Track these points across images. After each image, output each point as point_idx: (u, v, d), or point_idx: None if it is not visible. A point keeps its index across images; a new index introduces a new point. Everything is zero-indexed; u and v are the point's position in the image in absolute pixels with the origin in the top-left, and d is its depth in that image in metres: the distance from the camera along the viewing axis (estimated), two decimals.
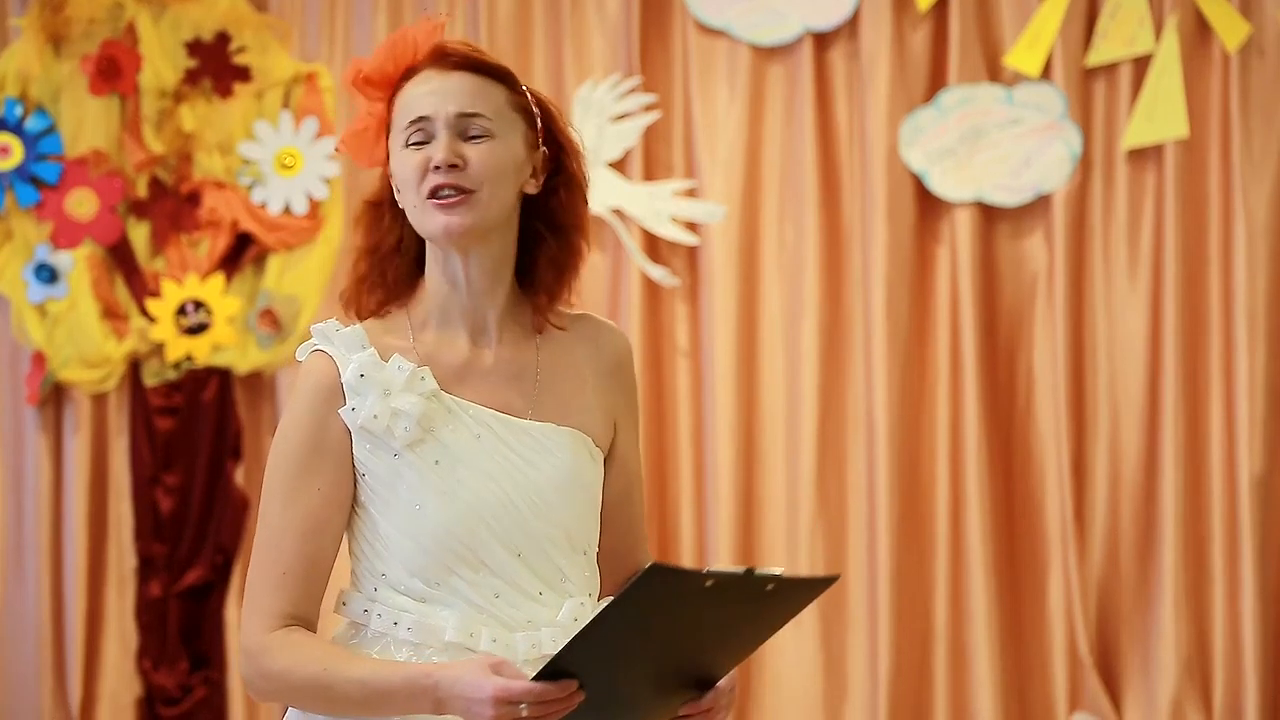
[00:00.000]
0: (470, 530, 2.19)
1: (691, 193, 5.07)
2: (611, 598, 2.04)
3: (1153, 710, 4.91)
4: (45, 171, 4.99)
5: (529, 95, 2.29)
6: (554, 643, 2.17)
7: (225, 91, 5.04)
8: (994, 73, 5.05)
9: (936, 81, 5.06)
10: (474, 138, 2.22)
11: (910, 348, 5.03)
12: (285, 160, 5.03)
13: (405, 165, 2.22)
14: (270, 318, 5.02)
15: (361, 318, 2.28)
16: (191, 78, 5.03)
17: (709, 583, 1.95)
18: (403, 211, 2.25)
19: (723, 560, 5.01)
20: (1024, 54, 5.00)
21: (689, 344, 5.09)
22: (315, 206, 5.05)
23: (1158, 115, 4.95)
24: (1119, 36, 4.99)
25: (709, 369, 5.05)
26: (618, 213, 5.04)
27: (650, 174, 5.08)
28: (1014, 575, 5.01)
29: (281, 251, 5.06)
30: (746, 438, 5.06)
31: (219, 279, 5.04)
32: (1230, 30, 4.93)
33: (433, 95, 2.23)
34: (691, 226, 5.06)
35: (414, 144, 2.22)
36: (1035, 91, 5.01)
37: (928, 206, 5.05)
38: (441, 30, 2.28)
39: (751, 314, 5.09)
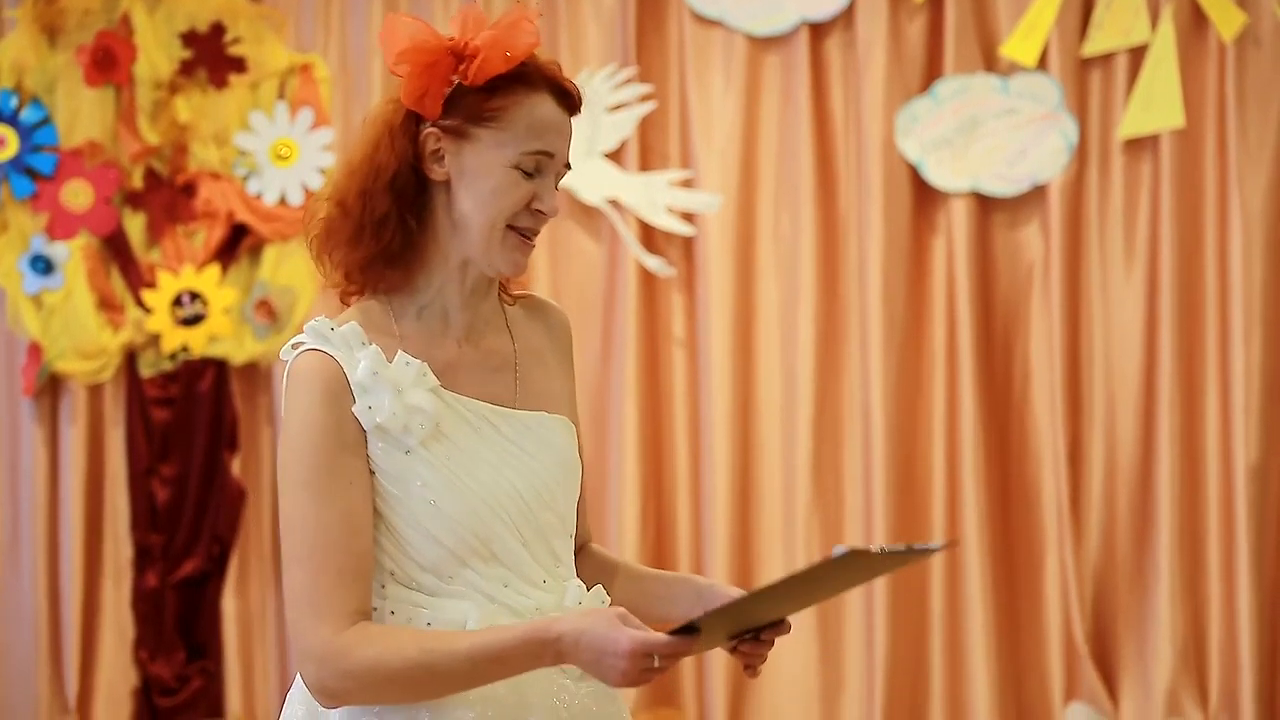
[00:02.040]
0: (484, 522, 2.19)
1: (687, 183, 5.07)
2: (794, 571, 2.02)
3: (1148, 698, 4.92)
4: (40, 163, 4.99)
5: None
6: None
7: (220, 82, 5.03)
8: (990, 63, 5.04)
9: (932, 71, 5.05)
10: (557, 183, 2.24)
11: (906, 337, 5.03)
12: (281, 151, 5.02)
13: (512, 190, 2.17)
14: (266, 308, 5.02)
15: (359, 294, 2.24)
16: (186, 69, 5.02)
17: (883, 556, 1.97)
18: (409, 169, 2.19)
19: (718, 551, 5.01)
20: (1020, 44, 5.00)
21: (685, 334, 5.09)
22: (311, 197, 5.05)
23: (1153, 105, 4.95)
24: (1115, 27, 4.99)
25: (705, 359, 5.05)
26: (614, 203, 5.04)
27: (646, 164, 5.08)
28: (1010, 564, 5.01)
29: (277, 242, 5.05)
30: (743, 427, 5.06)
31: (215, 270, 5.04)
32: (1226, 20, 4.93)
33: (559, 135, 2.20)
34: (687, 217, 5.06)
35: (525, 172, 2.18)
36: (1031, 81, 5.01)
37: (924, 196, 5.05)
38: (537, 34, 2.22)
39: (747, 304, 5.09)
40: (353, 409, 2.16)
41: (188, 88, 5.02)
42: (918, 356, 5.05)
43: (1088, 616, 4.95)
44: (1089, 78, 5.03)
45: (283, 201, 5.04)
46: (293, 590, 2.12)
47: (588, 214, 5.08)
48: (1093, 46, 5.01)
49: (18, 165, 4.99)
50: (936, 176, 5.02)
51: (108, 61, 4.95)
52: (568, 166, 2.23)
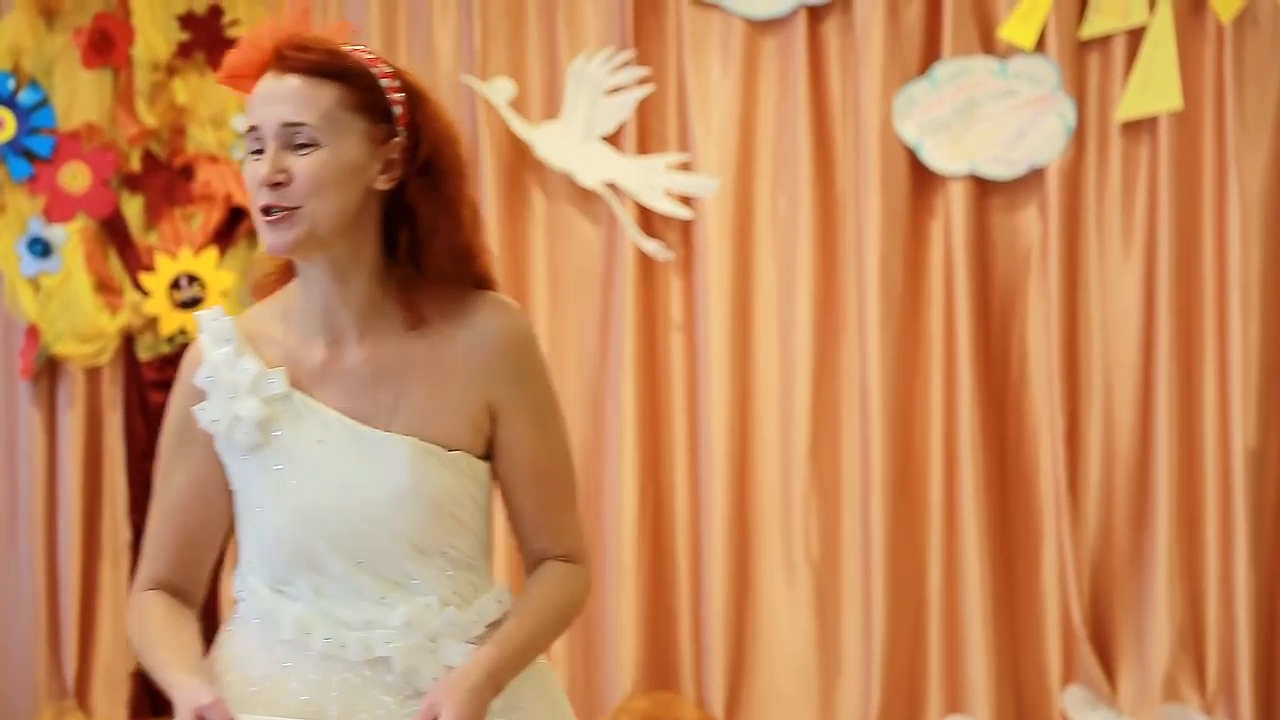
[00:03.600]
0: (304, 535, 2.19)
1: (685, 166, 5.07)
2: None
3: (1146, 682, 4.91)
4: (38, 145, 4.99)
5: (389, 85, 2.21)
6: (386, 644, 2.17)
7: (218, 65, 5.00)
8: (988, 45, 5.04)
9: (930, 54, 5.05)
10: (300, 146, 2.16)
11: (904, 320, 5.02)
12: None
13: (246, 178, 2.20)
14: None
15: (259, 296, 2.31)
16: (184, 51, 5.02)
17: None
18: None
19: (716, 534, 5.01)
20: (1018, 26, 4.99)
21: (683, 317, 5.09)
22: None
23: (1152, 87, 4.94)
24: (1113, 8, 4.98)
25: (703, 342, 5.05)
26: (612, 186, 5.04)
27: (644, 147, 5.08)
28: (1008, 548, 5.01)
29: None
30: (740, 410, 5.06)
31: (213, 253, 5.04)
32: (1224, 2, 4.92)
33: (263, 104, 2.19)
34: (685, 200, 5.06)
35: (253, 153, 2.19)
36: (1029, 64, 5.00)
37: (921, 179, 5.05)
38: (307, 20, 2.23)
39: (745, 287, 5.08)
40: (194, 408, 2.24)
41: (185, 70, 5.03)
42: (915, 339, 5.04)
43: (1085, 599, 4.94)
44: (1087, 60, 5.03)
45: None
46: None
47: (585, 197, 5.08)
48: (1091, 28, 5.00)
49: (15, 147, 4.99)
50: (934, 159, 5.01)
51: (105, 44, 4.95)
52: (292, 124, 2.16)
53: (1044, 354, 4.98)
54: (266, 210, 2.15)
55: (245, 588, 2.24)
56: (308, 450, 2.19)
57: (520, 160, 5.08)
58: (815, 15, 5.07)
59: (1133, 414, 4.96)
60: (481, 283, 2.25)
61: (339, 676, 2.18)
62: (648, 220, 5.07)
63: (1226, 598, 4.89)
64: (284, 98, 2.17)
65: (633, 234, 5.03)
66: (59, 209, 4.99)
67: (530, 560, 2.30)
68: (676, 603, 5.04)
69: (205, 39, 5.03)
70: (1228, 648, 4.89)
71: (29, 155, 5.00)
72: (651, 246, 5.03)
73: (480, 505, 2.25)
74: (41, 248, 5.00)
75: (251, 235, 5.08)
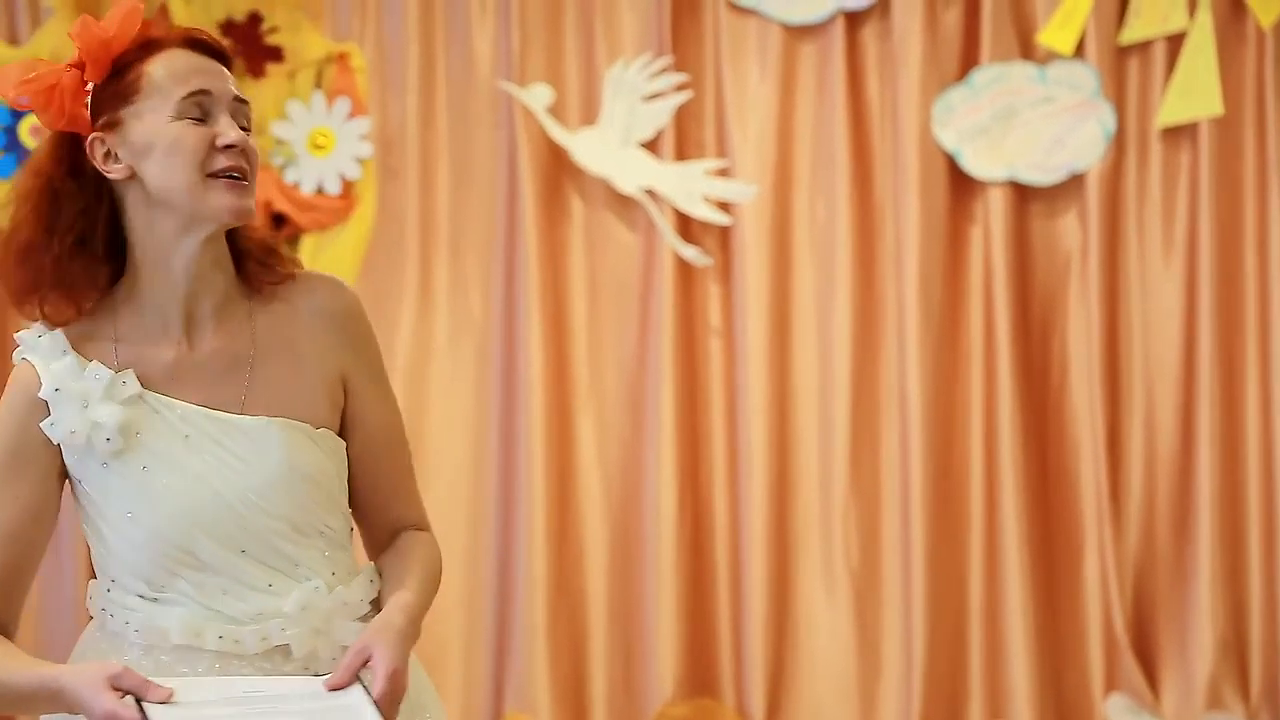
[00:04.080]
0: (184, 533, 2.16)
1: (723, 172, 5.06)
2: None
3: (1189, 690, 4.89)
4: None
5: None
6: (283, 632, 2.17)
7: (258, 72, 5.04)
8: (1027, 51, 5.03)
9: (969, 60, 5.04)
10: (243, 127, 2.21)
11: (943, 327, 5.01)
12: (318, 140, 5.03)
13: (185, 138, 2.15)
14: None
15: (56, 325, 2.20)
16: None
17: None
18: (91, 193, 2.19)
19: (755, 540, 5.00)
20: (1057, 32, 4.98)
21: (721, 324, 5.08)
22: (348, 186, 5.05)
23: (1192, 93, 4.93)
24: (1153, 14, 4.97)
25: (741, 349, 5.04)
26: (650, 193, 5.03)
27: (682, 154, 5.07)
28: (1049, 555, 4.99)
29: (315, 232, 5.06)
30: (779, 417, 5.05)
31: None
32: (1265, 7, 4.91)
33: (205, 74, 2.19)
34: (724, 206, 5.05)
35: (191, 119, 2.17)
36: (1068, 70, 4.99)
37: (960, 186, 5.04)
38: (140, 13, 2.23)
39: (784, 294, 5.08)
40: (40, 424, 2.17)
41: None
42: (955, 346, 5.03)
43: (1128, 607, 4.92)
44: (1127, 66, 5.02)
45: (320, 191, 5.04)
46: None
47: (624, 204, 5.08)
48: (1130, 34, 4.99)
49: None
50: (973, 166, 5.01)
51: None
52: (241, 101, 2.21)
53: (1084, 360, 4.97)
54: (228, 173, 2.16)
55: (112, 601, 2.19)
56: (172, 447, 2.17)
57: (558, 167, 5.08)
58: (853, 21, 5.06)
59: (1174, 420, 4.94)
60: (292, 264, 2.30)
61: (239, 674, 2.17)
62: (686, 226, 5.06)
63: (1270, 605, 4.87)
64: (225, 77, 2.21)
65: (671, 240, 5.02)
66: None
67: (381, 531, 2.32)
68: (716, 609, 5.02)
69: (245, 46, 5.04)
70: (1271, 655, 4.86)
71: None
72: (690, 253, 5.03)
73: (345, 483, 2.28)
74: None
75: (291, 241, 5.08)
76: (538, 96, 5.01)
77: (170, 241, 2.19)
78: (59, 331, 2.19)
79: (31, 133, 4.99)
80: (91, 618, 2.27)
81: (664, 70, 5.04)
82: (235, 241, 2.25)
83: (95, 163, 2.19)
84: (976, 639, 4.96)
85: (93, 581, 2.24)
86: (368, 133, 5.02)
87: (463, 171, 5.08)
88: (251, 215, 2.20)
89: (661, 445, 4.99)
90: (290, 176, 5.04)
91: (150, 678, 2.06)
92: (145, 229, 2.19)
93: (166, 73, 2.17)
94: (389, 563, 2.30)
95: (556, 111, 5.03)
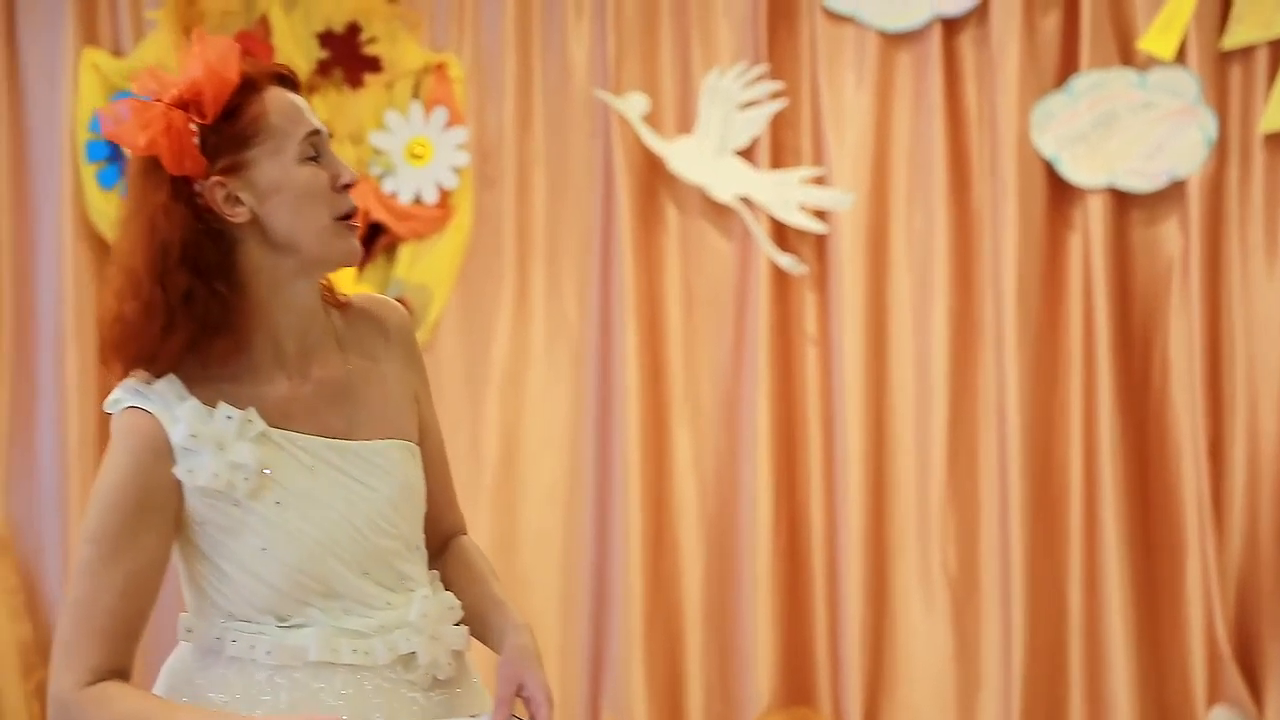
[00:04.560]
0: (318, 562, 2.19)
1: (820, 180, 5.05)
2: None
3: None
4: None
5: None
6: (408, 640, 2.21)
7: (356, 82, 5.09)
8: (1126, 57, 4.99)
9: (1068, 66, 5.01)
10: None
11: (1042, 335, 4.98)
12: (415, 150, 5.07)
13: (315, 182, 2.16)
14: (402, 306, 5.06)
15: (165, 371, 2.17)
16: (323, 69, 5.08)
17: None
18: (206, 237, 2.15)
19: (852, 550, 4.98)
20: (1158, 38, 4.94)
21: (818, 332, 5.07)
22: (445, 196, 5.09)
23: None
24: (1255, 19, 4.91)
25: (838, 357, 5.03)
26: (745, 201, 5.03)
27: (778, 162, 5.07)
28: (1150, 564, 4.94)
29: (412, 241, 5.09)
30: (876, 426, 5.03)
31: (351, 268, 5.08)
32: None
33: (309, 111, 2.21)
34: (820, 214, 5.04)
35: (310, 159, 2.18)
36: (1169, 75, 4.94)
37: (1059, 193, 5.01)
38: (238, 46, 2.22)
39: (881, 302, 5.06)
40: (173, 471, 2.15)
41: (324, 87, 5.08)
42: (1054, 354, 5.00)
43: (1230, 617, 4.86)
44: (1228, 71, 4.97)
45: (418, 200, 5.08)
46: (59, 628, 2.18)
47: (719, 212, 5.08)
48: (1232, 39, 4.94)
49: None
50: (1072, 172, 4.97)
51: None
52: (330, 135, 2.24)
53: (1186, 368, 4.92)
54: (351, 218, 2.19)
55: (230, 630, 2.20)
56: (300, 480, 2.18)
57: (654, 175, 5.09)
58: (951, 28, 5.04)
59: (1278, 427, 4.88)
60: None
61: (370, 684, 2.20)
62: (782, 235, 5.06)
63: None
64: (315, 116, 2.23)
65: (767, 249, 5.02)
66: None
67: (434, 538, 2.36)
68: (813, 617, 5.01)
69: (343, 57, 5.09)
70: None
71: None
72: (786, 261, 5.02)
73: None
74: None
75: (389, 250, 5.12)
76: (633, 105, 5.02)
77: (289, 281, 2.20)
78: (172, 376, 2.17)
79: None
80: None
81: (760, 78, 5.03)
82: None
83: (216, 206, 2.16)
84: (1076, 649, 4.92)
85: (187, 617, 2.24)
86: (465, 142, 5.05)
87: (559, 180, 5.10)
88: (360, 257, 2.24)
89: (757, 454, 4.99)
90: (388, 186, 5.08)
91: (288, 694, 2.14)
92: (262, 269, 2.18)
93: (280, 114, 2.17)
94: (458, 571, 2.35)
95: (652, 120, 5.04)
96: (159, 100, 2.16)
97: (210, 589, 2.21)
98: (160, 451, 2.15)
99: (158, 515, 2.16)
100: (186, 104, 2.15)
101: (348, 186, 2.19)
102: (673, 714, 5.00)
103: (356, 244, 2.20)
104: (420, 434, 2.32)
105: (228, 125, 2.16)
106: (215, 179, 2.15)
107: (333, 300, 2.29)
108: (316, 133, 2.19)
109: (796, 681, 5.00)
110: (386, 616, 2.21)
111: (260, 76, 2.19)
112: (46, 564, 4.99)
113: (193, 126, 2.15)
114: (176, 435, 2.14)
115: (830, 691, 5.00)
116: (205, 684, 2.21)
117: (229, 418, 2.16)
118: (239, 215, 2.16)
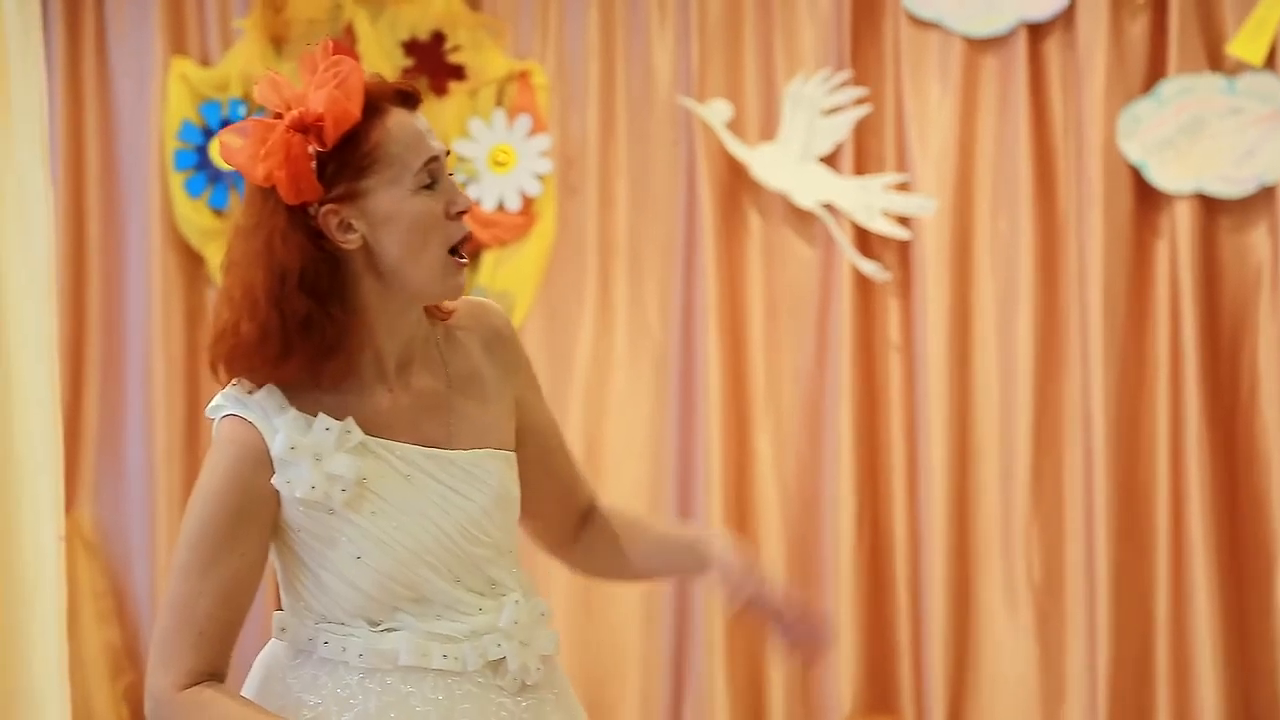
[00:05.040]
0: (412, 571, 2.20)
1: (903, 186, 5.03)
2: None
3: None
4: None
5: None
6: (498, 647, 2.21)
7: (441, 90, 5.11)
8: (1215, 62, 4.94)
9: (1155, 72, 4.97)
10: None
11: (1128, 342, 4.94)
12: (499, 157, 5.09)
13: (429, 213, 2.14)
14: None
15: (259, 385, 2.17)
16: (408, 77, 5.11)
17: None
18: (320, 260, 2.14)
19: (935, 559, 4.96)
20: (1247, 43, 4.89)
21: (901, 339, 5.05)
22: (528, 203, 5.11)
23: None
24: None
25: (921, 364, 5.01)
26: (829, 207, 5.02)
27: (861, 168, 5.05)
28: (1237, 573, 4.89)
29: (495, 248, 5.12)
30: (959, 433, 5.01)
31: None
32: None
33: (430, 135, 2.17)
34: (903, 220, 5.03)
35: (426, 186, 2.15)
36: (1258, 81, 4.90)
37: (1146, 199, 4.97)
38: (358, 66, 2.17)
39: (964, 309, 5.03)
40: (271, 481, 2.16)
41: None
42: (1140, 361, 4.96)
43: None
44: None
45: (501, 207, 5.11)
46: (158, 628, 2.21)
47: (802, 218, 5.07)
48: None
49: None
50: (1159, 178, 4.93)
51: None
52: (448, 152, 2.21)
53: (1274, 375, 4.87)
54: (461, 252, 2.18)
55: (323, 631, 2.22)
56: (398, 489, 2.19)
57: (737, 182, 5.09)
58: (1036, 33, 5.01)
59: None
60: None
61: (461, 690, 2.21)
62: (865, 241, 5.04)
63: None
64: (435, 137, 2.19)
65: (850, 255, 5.01)
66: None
67: (570, 516, 2.39)
68: (895, 625, 5.00)
69: (428, 64, 5.11)
70: None
71: None
72: (869, 267, 5.00)
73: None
74: None
75: (473, 257, 5.15)
76: (717, 112, 5.02)
77: (398, 305, 2.20)
78: (272, 386, 2.17)
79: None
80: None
81: (844, 84, 5.02)
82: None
83: (329, 232, 2.15)
84: (1163, 659, 4.87)
85: (281, 615, 2.27)
86: (548, 149, 5.07)
87: (642, 187, 5.10)
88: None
89: (840, 461, 4.98)
90: (472, 193, 5.10)
91: (378, 699, 2.16)
92: (372, 293, 2.18)
93: (400, 141, 2.14)
94: (617, 530, 2.38)
95: (735, 127, 5.04)
96: (279, 117, 2.14)
97: (304, 592, 2.23)
98: (259, 461, 2.16)
99: (255, 523, 2.18)
100: (306, 128, 2.12)
101: (461, 214, 2.18)
102: None
103: (463, 280, 2.19)
104: (529, 431, 2.32)
105: (346, 152, 2.13)
106: (329, 206, 2.14)
107: (437, 314, 2.28)
108: (435, 159, 2.16)
109: (879, 689, 4.98)
110: (477, 622, 2.22)
111: (383, 97, 2.16)
112: (135, 568, 5.05)
113: (311, 150, 2.13)
114: (275, 446, 2.16)
115: (913, 699, 4.98)
116: (297, 684, 2.23)
117: (327, 429, 2.16)
118: (351, 242, 2.15)
